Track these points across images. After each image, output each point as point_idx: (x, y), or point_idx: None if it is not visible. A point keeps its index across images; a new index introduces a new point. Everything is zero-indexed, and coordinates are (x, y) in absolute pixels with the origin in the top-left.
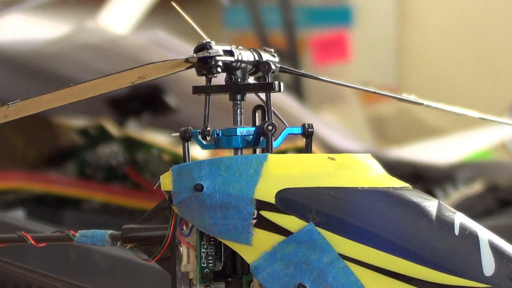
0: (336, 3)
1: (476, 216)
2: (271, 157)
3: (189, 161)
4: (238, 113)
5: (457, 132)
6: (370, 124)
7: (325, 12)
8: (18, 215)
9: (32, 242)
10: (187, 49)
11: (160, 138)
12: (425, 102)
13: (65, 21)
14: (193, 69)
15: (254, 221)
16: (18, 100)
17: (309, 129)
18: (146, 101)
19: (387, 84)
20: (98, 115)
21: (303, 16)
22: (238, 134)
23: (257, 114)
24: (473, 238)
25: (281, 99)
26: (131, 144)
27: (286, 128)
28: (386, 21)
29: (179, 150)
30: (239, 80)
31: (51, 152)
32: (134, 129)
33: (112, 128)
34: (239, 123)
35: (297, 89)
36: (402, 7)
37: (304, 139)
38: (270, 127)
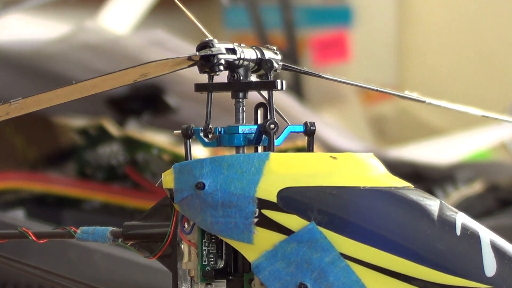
0: (336, 3)
1: (476, 216)
2: (273, 155)
3: (190, 159)
4: (240, 111)
5: (457, 132)
6: (370, 124)
7: (325, 12)
8: (18, 215)
9: (33, 238)
10: (187, 49)
11: (160, 138)
12: (428, 99)
13: (65, 21)
14: (194, 69)
15: (256, 220)
16: (20, 98)
17: (311, 127)
18: (146, 101)
19: (387, 84)
20: (98, 115)
21: (303, 16)
22: (240, 132)
23: (259, 112)
24: (475, 238)
25: (282, 99)
26: (131, 144)
27: (288, 126)
28: (386, 21)
29: (179, 150)
30: (241, 78)
31: (51, 152)
32: (134, 129)
33: (112, 128)
34: (241, 121)
35: (297, 89)
36: (402, 7)
37: (306, 138)
38: (272, 126)
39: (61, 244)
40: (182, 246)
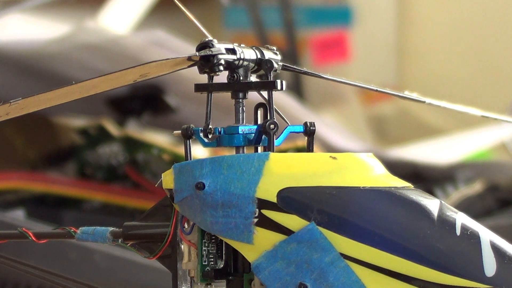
0: (336, 3)
1: (476, 216)
2: (273, 155)
3: (190, 159)
4: (240, 111)
5: (457, 132)
6: (370, 124)
7: (325, 12)
8: (18, 215)
9: (33, 238)
10: (187, 49)
11: (160, 138)
12: (428, 99)
13: (65, 21)
14: (194, 69)
15: (256, 220)
16: (20, 98)
17: (311, 127)
18: (146, 101)
19: (387, 84)
20: (98, 115)
21: (303, 16)
22: (240, 132)
23: (259, 112)
24: (475, 238)
25: (282, 99)
26: (131, 144)
27: (288, 126)
28: (386, 21)
29: (179, 150)
30: (241, 78)
31: (51, 152)
32: (134, 129)
33: (112, 128)
34: (241, 121)
35: (297, 89)
36: (402, 7)
37: (306, 138)
38: (272, 126)
39: (61, 244)
40: (182, 246)
